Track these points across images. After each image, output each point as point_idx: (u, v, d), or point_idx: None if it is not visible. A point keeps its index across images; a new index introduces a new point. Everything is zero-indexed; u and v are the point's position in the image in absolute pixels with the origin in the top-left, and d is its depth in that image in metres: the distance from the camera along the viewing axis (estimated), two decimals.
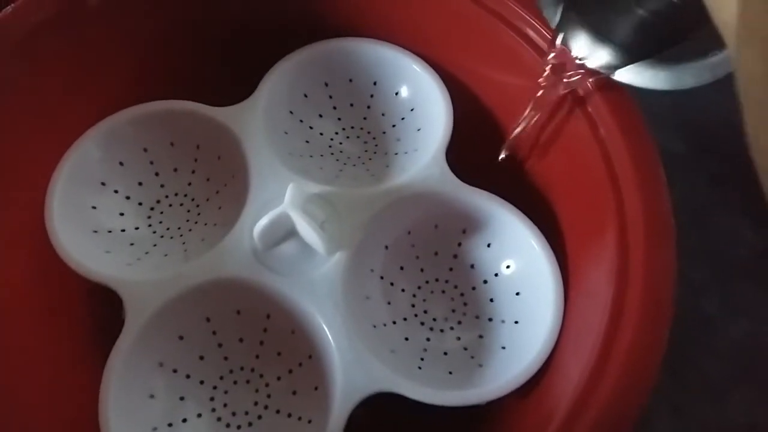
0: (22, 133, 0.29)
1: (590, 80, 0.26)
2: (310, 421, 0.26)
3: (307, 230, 0.27)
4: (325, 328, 0.26)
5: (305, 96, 0.34)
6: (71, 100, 0.30)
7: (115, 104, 0.31)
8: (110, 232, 0.31)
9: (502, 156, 0.29)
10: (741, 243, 0.36)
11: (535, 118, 0.28)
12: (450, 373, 0.27)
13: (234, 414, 0.27)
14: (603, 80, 0.27)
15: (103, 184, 0.31)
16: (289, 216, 0.27)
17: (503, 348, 0.27)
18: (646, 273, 0.23)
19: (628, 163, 0.25)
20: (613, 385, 0.22)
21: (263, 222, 0.27)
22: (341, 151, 0.34)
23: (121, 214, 0.31)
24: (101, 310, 0.31)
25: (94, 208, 0.31)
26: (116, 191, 0.32)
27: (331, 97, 0.35)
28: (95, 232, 0.30)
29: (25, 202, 0.29)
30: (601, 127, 0.26)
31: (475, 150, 0.31)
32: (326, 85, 0.35)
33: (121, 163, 0.32)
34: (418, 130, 0.33)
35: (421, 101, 0.33)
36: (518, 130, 0.28)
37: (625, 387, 0.22)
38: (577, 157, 0.27)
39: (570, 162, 0.28)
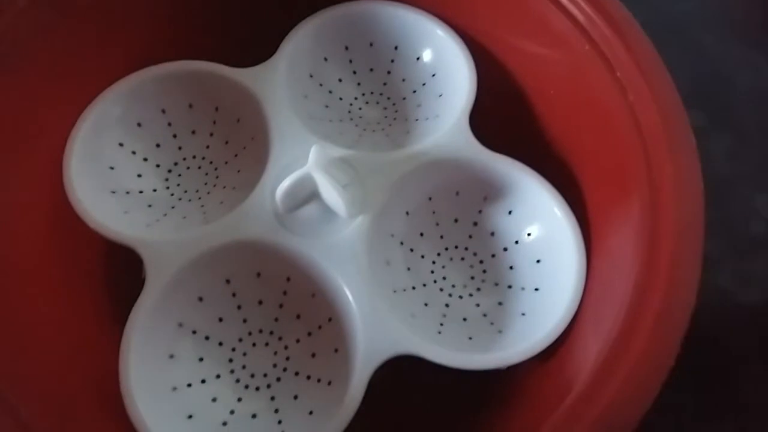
0: (42, 90, 0.28)
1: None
2: (330, 383, 0.26)
3: (329, 192, 0.26)
4: (347, 291, 0.26)
5: (325, 59, 0.34)
6: (90, 57, 0.30)
7: (133, 64, 0.31)
8: (128, 193, 0.30)
9: None
10: (757, 217, 0.35)
11: None
12: (470, 338, 0.27)
13: (252, 375, 0.27)
14: (632, 44, 0.26)
15: (120, 144, 0.31)
16: (312, 177, 0.26)
17: (523, 314, 0.27)
18: (676, 237, 0.23)
19: (659, 127, 0.25)
20: (639, 351, 0.22)
21: (285, 183, 0.26)
22: (361, 117, 0.34)
23: (139, 176, 0.31)
24: (119, 273, 0.31)
25: (111, 168, 0.30)
26: (134, 152, 0.31)
27: (351, 61, 0.34)
28: (113, 192, 0.30)
29: (43, 160, 0.28)
30: (630, 93, 0.26)
31: (498, 118, 0.31)
32: (347, 48, 0.34)
33: (138, 124, 0.31)
34: (440, 96, 0.33)
35: (443, 66, 0.33)
36: None
37: (652, 352, 0.21)
38: (605, 122, 0.27)
39: (597, 127, 0.27)
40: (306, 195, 0.27)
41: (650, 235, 0.23)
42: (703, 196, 0.23)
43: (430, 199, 0.30)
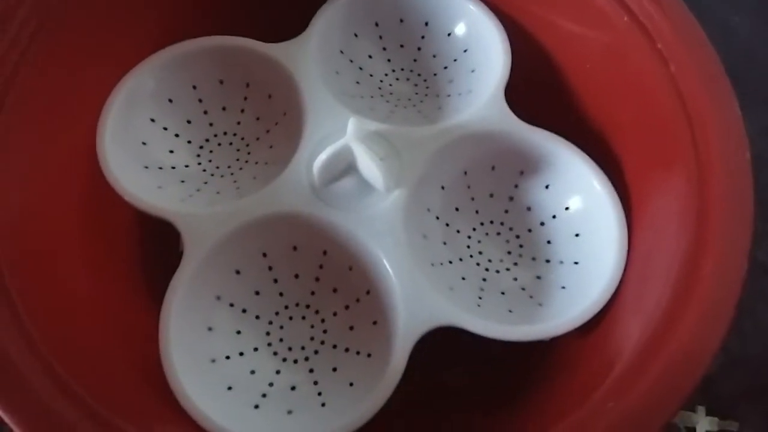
0: (78, 63, 0.28)
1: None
2: (369, 355, 0.26)
3: (367, 165, 0.26)
4: (386, 263, 0.26)
5: (355, 35, 0.34)
6: (124, 31, 0.30)
7: (165, 39, 0.31)
8: (161, 168, 0.30)
9: None
10: None
11: None
12: (510, 311, 0.26)
13: (290, 349, 0.27)
14: (672, 15, 0.26)
15: (152, 120, 0.31)
16: (350, 150, 0.26)
17: (563, 288, 0.27)
18: (726, 211, 0.22)
19: (704, 97, 0.24)
20: (688, 330, 0.21)
21: (323, 156, 0.26)
22: (391, 93, 0.34)
23: (171, 152, 0.31)
24: (153, 249, 0.31)
25: (144, 144, 0.30)
26: (165, 128, 0.31)
27: (381, 37, 0.34)
28: (146, 167, 0.30)
29: (77, 133, 0.28)
30: (672, 64, 0.26)
31: (534, 93, 0.31)
32: (377, 25, 0.34)
33: (170, 100, 0.31)
34: (473, 71, 0.32)
35: (475, 41, 0.33)
36: None
37: (701, 332, 0.21)
38: (646, 94, 0.27)
39: (637, 99, 0.27)
40: (343, 167, 0.27)
41: (698, 208, 0.23)
42: (751, 167, 0.23)
43: (465, 173, 0.30)
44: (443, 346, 0.26)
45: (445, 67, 0.34)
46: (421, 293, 0.25)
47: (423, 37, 0.34)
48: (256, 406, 0.25)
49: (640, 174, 0.27)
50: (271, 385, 0.26)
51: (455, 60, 0.33)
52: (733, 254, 0.22)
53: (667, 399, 0.20)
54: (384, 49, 0.34)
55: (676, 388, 0.20)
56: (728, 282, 0.21)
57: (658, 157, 0.26)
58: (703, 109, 0.24)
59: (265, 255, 0.28)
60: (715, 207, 0.22)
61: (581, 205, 0.28)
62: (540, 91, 0.31)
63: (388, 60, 0.34)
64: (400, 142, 0.28)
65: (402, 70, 0.34)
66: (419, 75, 0.34)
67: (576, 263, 0.27)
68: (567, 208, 0.29)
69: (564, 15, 0.30)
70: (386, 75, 0.34)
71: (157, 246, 0.31)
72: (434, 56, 0.34)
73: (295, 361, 0.27)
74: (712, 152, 0.23)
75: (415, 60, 0.34)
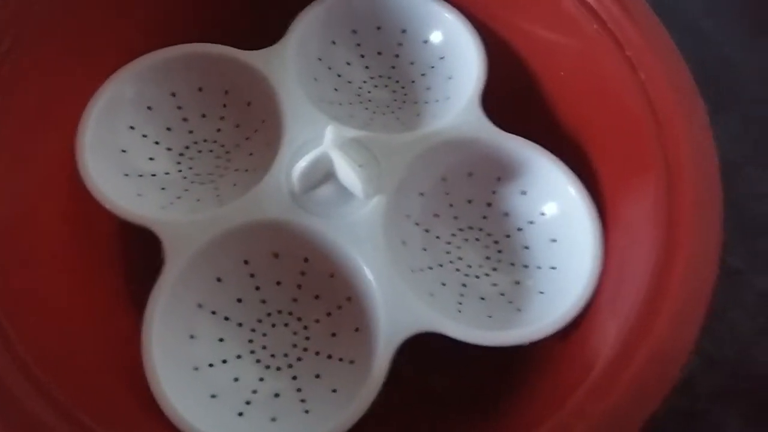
0: (56, 71, 0.28)
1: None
2: (352, 362, 0.26)
3: (346, 172, 0.26)
4: (366, 270, 0.26)
5: (333, 43, 0.34)
6: (102, 39, 0.30)
7: (143, 47, 0.31)
8: (141, 176, 0.30)
9: None
10: (765, 200, 0.36)
11: None
12: (489, 316, 0.27)
13: (273, 356, 0.27)
14: (641, 23, 0.27)
15: (131, 127, 0.31)
16: (328, 156, 0.26)
17: (541, 293, 0.28)
18: (695, 214, 0.23)
19: (672, 104, 0.25)
20: (662, 331, 0.22)
21: (302, 163, 0.27)
22: (370, 100, 0.34)
23: (151, 159, 0.31)
24: (135, 256, 0.31)
25: (123, 151, 0.30)
26: (145, 135, 0.31)
27: (359, 44, 0.34)
28: (126, 175, 0.30)
29: (58, 141, 0.28)
30: (641, 71, 0.26)
31: (509, 100, 0.31)
32: (354, 32, 0.34)
33: (149, 108, 0.31)
34: (450, 78, 0.33)
35: (452, 49, 0.33)
36: None
37: (673, 333, 0.22)
38: (617, 101, 0.27)
39: (609, 106, 0.28)
40: (322, 175, 0.27)
41: (668, 212, 0.24)
42: (719, 171, 0.24)
43: (443, 180, 0.30)
44: (426, 351, 0.26)
45: (423, 74, 0.34)
46: (402, 299, 0.25)
47: (400, 45, 0.34)
48: (240, 414, 0.25)
49: (613, 180, 0.28)
50: (254, 392, 0.26)
51: (432, 67, 0.34)
52: (703, 257, 0.22)
53: (645, 398, 0.20)
54: (362, 56, 0.35)
55: (652, 386, 0.20)
56: (699, 284, 0.22)
57: (630, 163, 0.27)
58: (672, 116, 0.25)
59: (246, 262, 0.28)
60: (684, 212, 0.23)
61: (557, 211, 0.29)
62: (516, 98, 0.32)
63: (366, 67, 0.35)
64: (379, 149, 0.29)
65: (380, 77, 0.35)
66: (397, 82, 0.34)
67: (553, 268, 0.28)
68: (543, 214, 0.29)
69: (538, 23, 0.31)
70: (365, 82, 0.34)
71: (140, 252, 0.30)
72: (412, 63, 0.34)
73: (279, 369, 0.27)
74: (681, 159, 0.24)
75: (393, 67, 0.35)
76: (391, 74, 0.35)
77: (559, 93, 0.31)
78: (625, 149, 0.27)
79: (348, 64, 0.34)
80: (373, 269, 0.26)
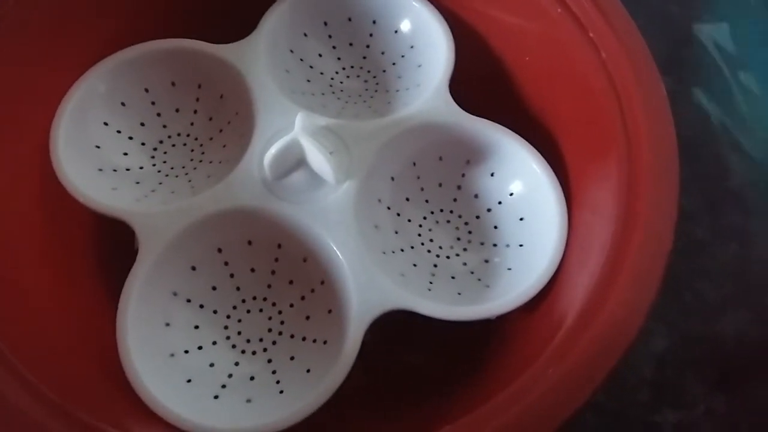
0: (26, 69, 0.28)
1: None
2: (325, 342, 0.26)
3: (317, 158, 0.27)
4: (338, 253, 0.27)
5: (305, 35, 0.34)
6: (73, 36, 0.30)
7: (114, 43, 0.31)
8: (115, 170, 0.31)
9: None
10: (731, 173, 0.37)
11: None
12: (459, 293, 0.27)
13: (248, 341, 0.28)
14: (603, 5, 0.27)
15: (105, 123, 0.31)
16: (299, 143, 0.27)
17: (509, 269, 0.28)
18: (652, 184, 0.24)
19: (632, 83, 0.26)
20: (619, 295, 0.23)
21: (273, 150, 0.27)
22: (342, 90, 0.34)
23: (125, 154, 0.31)
24: (110, 247, 0.31)
25: (98, 147, 0.31)
26: (119, 131, 0.32)
27: (330, 36, 0.35)
28: (100, 170, 0.30)
29: (31, 138, 0.28)
30: (603, 51, 0.27)
31: (477, 85, 0.32)
32: (325, 24, 0.35)
33: (123, 104, 0.32)
34: (419, 66, 0.33)
35: (421, 38, 0.34)
36: None
37: (630, 296, 0.23)
38: (581, 82, 0.28)
39: (573, 88, 0.28)
40: (294, 161, 0.28)
41: (628, 184, 0.24)
42: (676, 145, 0.24)
43: (414, 164, 0.31)
44: (400, 331, 0.27)
45: (394, 64, 0.35)
46: (372, 280, 0.26)
47: (371, 35, 0.35)
48: (216, 397, 0.26)
49: (578, 159, 0.28)
50: (230, 376, 0.27)
51: (402, 56, 0.34)
52: (659, 225, 0.23)
53: (601, 359, 0.21)
54: (334, 47, 0.35)
55: (608, 349, 0.21)
56: (655, 252, 0.23)
57: (593, 142, 0.27)
58: (633, 95, 0.26)
59: (220, 250, 0.28)
60: (643, 186, 0.24)
61: (524, 190, 0.29)
62: (483, 82, 0.32)
63: (338, 58, 0.35)
64: (349, 135, 0.29)
65: (352, 67, 0.35)
66: (369, 72, 0.35)
67: (521, 246, 0.29)
68: (511, 194, 0.30)
69: (503, 8, 0.31)
70: (337, 73, 0.35)
71: (116, 244, 0.31)
72: (382, 53, 0.35)
73: (254, 353, 0.27)
74: (640, 133, 0.25)
75: (364, 57, 0.35)
76: (362, 64, 0.35)
77: (526, 76, 0.32)
78: (589, 129, 0.28)
79: (320, 55, 0.35)
80: (344, 252, 0.27)
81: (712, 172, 0.37)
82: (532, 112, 0.31)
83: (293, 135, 0.27)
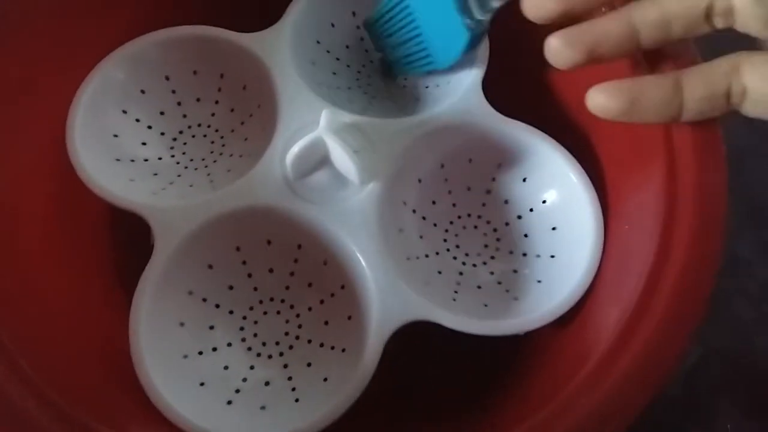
0: (44, 54, 0.27)
1: None
2: (344, 350, 0.25)
3: (341, 157, 0.26)
4: (360, 257, 0.25)
5: (332, 25, 0.33)
6: (93, 21, 0.29)
7: (137, 29, 0.30)
8: (133, 161, 0.30)
9: None
10: None
11: None
12: (485, 305, 0.26)
13: (264, 344, 0.27)
14: None
15: (124, 111, 0.30)
16: (323, 142, 0.26)
17: (539, 282, 0.27)
18: (696, 204, 0.22)
19: None
20: (658, 321, 0.21)
21: (296, 149, 0.26)
22: (369, 84, 0.33)
23: (144, 144, 0.30)
24: (125, 241, 0.30)
25: (116, 136, 0.30)
26: (138, 120, 0.31)
27: (358, 27, 0.34)
28: (118, 160, 0.29)
29: (47, 126, 0.28)
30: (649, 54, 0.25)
31: (512, 85, 0.30)
32: (354, 14, 0.33)
33: (142, 91, 0.31)
34: None
35: None
36: None
37: (672, 321, 0.21)
38: None
39: None
40: (317, 160, 0.27)
41: (671, 200, 0.23)
42: (725, 155, 0.23)
43: (442, 166, 0.29)
44: (420, 340, 0.26)
45: None
46: (395, 288, 0.25)
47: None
48: (229, 402, 0.25)
49: (617, 167, 0.27)
50: (244, 380, 0.26)
51: None
52: (705, 248, 0.21)
53: (637, 390, 0.20)
54: (361, 39, 0.34)
55: (645, 380, 0.20)
56: (700, 274, 0.21)
57: (634, 149, 0.26)
58: None
59: (238, 249, 0.27)
60: (687, 200, 0.22)
61: (558, 198, 0.28)
62: (519, 84, 0.31)
63: (366, 51, 0.34)
64: (376, 134, 0.28)
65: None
66: None
67: (552, 257, 0.27)
68: (544, 201, 0.28)
69: None
70: (363, 66, 0.34)
71: (131, 239, 0.30)
72: None
73: (270, 357, 0.26)
74: (686, 146, 0.23)
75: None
76: None
77: (564, 78, 0.30)
78: (630, 135, 0.26)
79: (347, 47, 0.34)
80: (366, 257, 0.25)
81: (756, 185, 0.35)
82: (571, 116, 0.30)
83: (317, 133, 0.26)
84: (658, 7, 0.22)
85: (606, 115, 0.22)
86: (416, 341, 0.25)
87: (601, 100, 0.22)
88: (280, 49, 0.30)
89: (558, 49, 0.23)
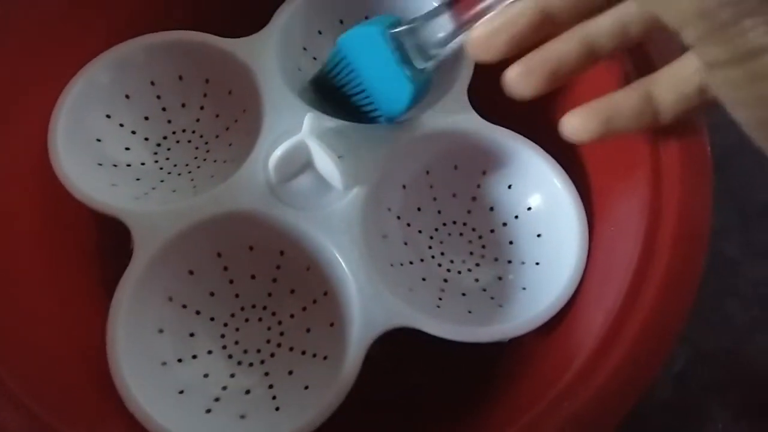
0: (26, 59, 0.27)
1: None
2: (325, 357, 0.25)
3: (324, 161, 0.26)
4: (343, 264, 0.25)
5: (319, 32, 0.33)
6: (78, 26, 0.29)
7: (122, 34, 0.30)
8: (116, 165, 0.29)
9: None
10: (763, 187, 0.35)
11: None
12: (469, 312, 0.26)
13: (246, 351, 0.26)
14: None
15: (108, 116, 0.30)
16: (306, 145, 0.26)
17: (524, 289, 0.27)
18: (681, 207, 0.22)
19: None
20: (642, 324, 0.21)
21: (279, 152, 0.26)
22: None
23: (127, 149, 0.30)
24: (109, 243, 0.30)
25: (99, 140, 0.29)
26: (121, 125, 0.30)
27: None
28: (100, 164, 0.29)
29: (29, 130, 0.27)
30: (631, 57, 0.25)
31: (496, 93, 0.30)
32: (341, 22, 0.33)
33: (127, 96, 0.30)
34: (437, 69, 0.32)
35: None
36: None
37: (657, 323, 0.21)
38: (607, 90, 0.26)
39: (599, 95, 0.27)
40: (300, 164, 0.26)
41: (656, 199, 0.23)
42: (710, 157, 0.23)
43: (427, 172, 0.29)
44: (404, 347, 0.25)
45: None
46: (378, 294, 0.24)
47: None
48: (208, 411, 0.24)
49: (602, 171, 0.27)
50: (224, 389, 0.25)
51: None
52: (690, 246, 0.21)
53: (623, 393, 0.19)
54: None
55: (631, 382, 0.20)
56: (685, 275, 0.21)
57: (619, 153, 0.26)
58: None
59: (220, 255, 0.27)
60: (672, 202, 0.22)
61: (543, 206, 0.28)
62: (503, 89, 0.31)
63: None
64: (360, 139, 0.28)
65: None
66: None
67: (537, 264, 0.27)
68: (529, 209, 0.28)
69: None
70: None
71: (113, 244, 0.30)
72: None
73: (251, 365, 0.26)
74: (671, 144, 0.23)
75: None
76: None
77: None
78: (616, 142, 0.26)
79: None
80: (349, 263, 0.25)
81: (744, 185, 0.35)
82: (555, 122, 0.30)
83: (300, 136, 0.25)
84: (608, 15, 0.21)
85: (583, 137, 0.22)
86: (399, 347, 0.25)
87: (576, 123, 0.22)
88: (266, 54, 0.30)
89: (518, 80, 0.22)
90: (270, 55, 0.30)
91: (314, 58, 0.33)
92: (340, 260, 0.25)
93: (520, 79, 0.22)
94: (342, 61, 0.27)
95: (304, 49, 0.32)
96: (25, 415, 0.20)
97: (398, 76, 0.25)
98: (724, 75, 0.16)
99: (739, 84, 0.16)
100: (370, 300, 0.24)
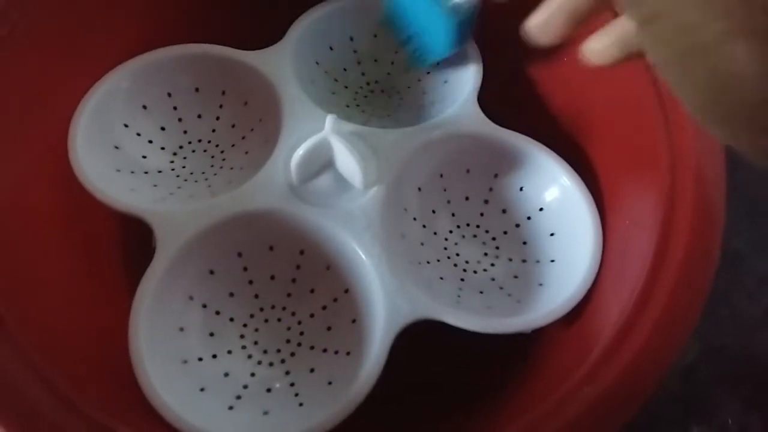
0: (50, 67, 0.28)
1: None
2: (348, 353, 0.25)
3: (347, 159, 0.26)
4: (365, 259, 0.25)
5: (330, 48, 0.34)
6: (98, 37, 0.30)
7: (141, 46, 0.31)
8: (133, 172, 0.30)
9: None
10: None
11: None
12: (489, 307, 0.26)
13: (265, 352, 0.26)
14: None
15: (125, 125, 0.30)
16: (328, 143, 0.26)
17: (540, 285, 0.27)
18: (696, 199, 0.23)
19: None
20: (660, 314, 0.21)
21: (302, 150, 0.26)
22: (367, 104, 0.34)
23: (144, 157, 0.31)
24: (132, 242, 0.30)
25: (117, 147, 0.30)
26: (138, 134, 0.31)
27: (355, 51, 0.35)
28: (118, 171, 0.29)
29: (53, 134, 0.28)
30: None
31: (506, 96, 0.31)
32: (351, 39, 0.35)
33: (144, 107, 0.31)
34: (445, 82, 0.33)
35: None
36: None
37: (672, 315, 0.21)
38: (624, 91, 0.27)
39: (612, 95, 0.28)
40: (321, 163, 0.27)
41: (671, 193, 0.23)
42: (723, 153, 0.24)
43: (441, 176, 0.30)
44: (424, 342, 0.25)
45: (419, 80, 0.34)
46: (401, 287, 0.25)
47: (396, 53, 0.35)
48: (231, 408, 0.24)
49: (616, 167, 0.28)
50: (245, 387, 0.25)
51: (428, 72, 0.34)
52: (706, 238, 0.22)
53: (640, 381, 0.20)
54: (358, 63, 0.35)
55: (646, 371, 0.20)
56: (701, 267, 0.22)
57: (634, 149, 0.27)
58: (678, 102, 0.25)
59: (240, 255, 0.27)
60: (688, 194, 0.23)
61: (554, 205, 0.28)
62: (514, 95, 0.32)
63: (363, 73, 0.35)
64: (377, 142, 0.28)
65: (376, 82, 0.35)
66: (393, 87, 0.35)
67: (552, 261, 0.28)
68: (541, 209, 0.29)
69: None
70: (361, 87, 0.34)
71: (137, 243, 0.30)
72: (407, 70, 0.34)
73: (271, 364, 0.26)
74: (685, 140, 0.24)
75: (388, 74, 0.35)
76: (387, 80, 0.35)
77: (560, 88, 0.31)
78: (630, 137, 0.27)
79: (344, 69, 0.34)
80: (371, 258, 0.25)
81: (752, 181, 0.36)
82: (567, 125, 0.31)
83: (323, 134, 0.26)
84: None
85: (605, 58, 0.22)
86: (421, 342, 0.25)
87: (596, 45, 0.22)
88: (282, 65, 0.31)
89: (539, 28, 0.22)
90: (287, 66, 0.31)
91: (326, 72, 0.34)
92: (362, 256, 0.26)
93: (542, 27, 0.22)
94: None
95: (317, 63, 0.33)
96: (63, 401, 0.20)
97: (442, 16, 0.28)
98: (647, 34, 0.16)
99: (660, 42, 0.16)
100: (395, 293, 0.25)
